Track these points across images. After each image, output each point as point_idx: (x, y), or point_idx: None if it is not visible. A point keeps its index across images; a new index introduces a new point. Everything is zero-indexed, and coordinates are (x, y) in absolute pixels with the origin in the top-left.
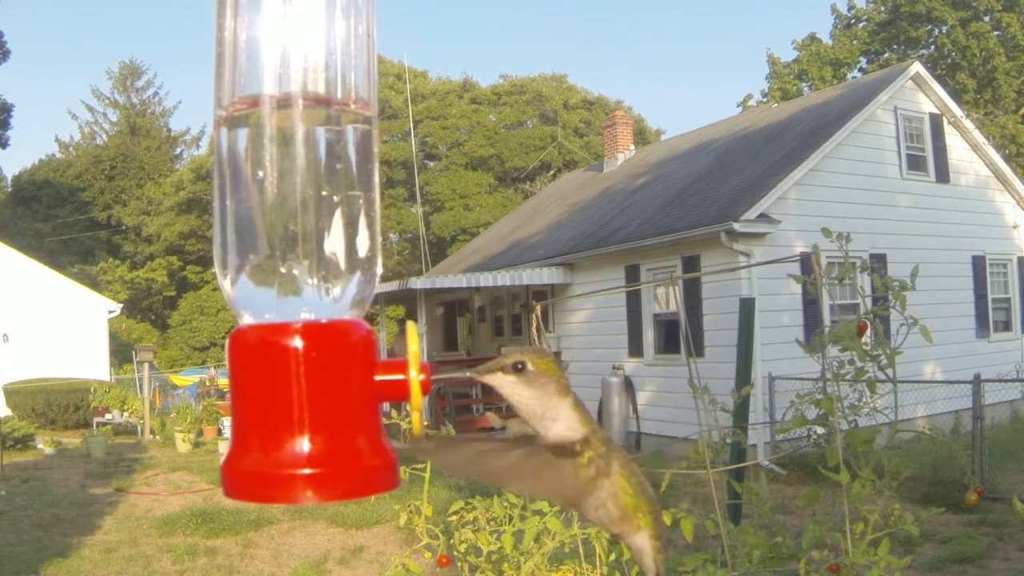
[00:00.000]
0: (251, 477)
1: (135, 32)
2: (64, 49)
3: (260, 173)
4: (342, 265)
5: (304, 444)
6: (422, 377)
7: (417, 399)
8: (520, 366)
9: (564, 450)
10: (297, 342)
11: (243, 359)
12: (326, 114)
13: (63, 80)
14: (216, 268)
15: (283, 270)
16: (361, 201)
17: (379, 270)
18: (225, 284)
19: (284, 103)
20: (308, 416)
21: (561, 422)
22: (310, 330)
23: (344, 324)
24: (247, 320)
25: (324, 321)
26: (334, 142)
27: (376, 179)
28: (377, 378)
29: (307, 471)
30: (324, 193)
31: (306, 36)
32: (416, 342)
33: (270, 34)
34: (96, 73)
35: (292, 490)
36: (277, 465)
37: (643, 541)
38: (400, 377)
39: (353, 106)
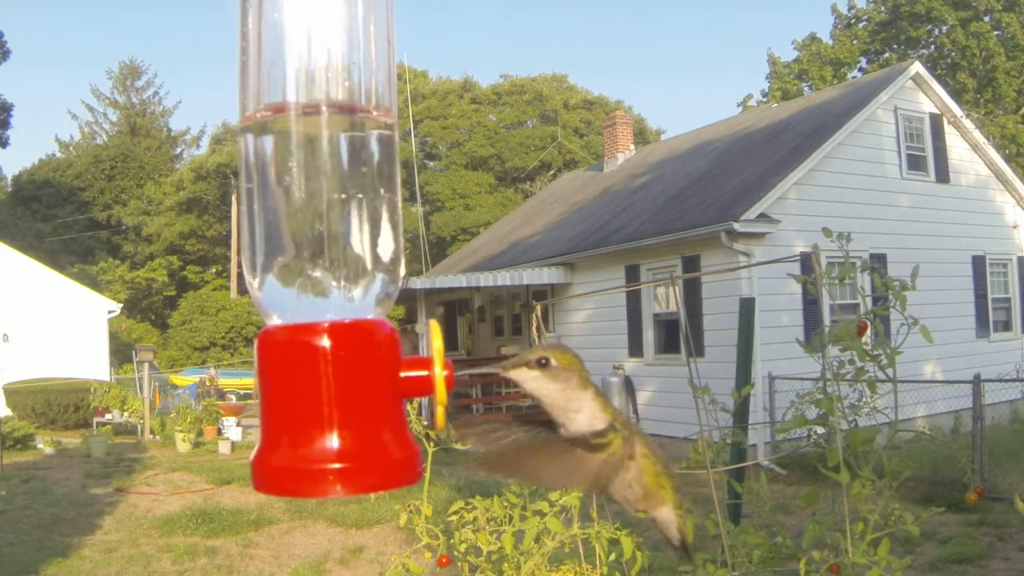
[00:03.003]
0: (282, 472)
1: (135, 32)
2: (64, 49)
3: (286, 178)
4: (367, 266)
5: (333, 439)
6: (446, 373)
7: (442, 394)
8: (544, 361)
9: (587, 442)
10: (325, 341)
11: (272, 358)
12: (350, 121)
13: (63, 80)
14: (244, 271)
15: (310, 272)
16: (384, 204)
17: (402, 270)
18: (253, 286)
19: (309, 110)
20: (336, 412)
21: (584, 413)
22: (337, 330)
23: (370, 323)
24: (275, 321)
25: (350, 321)
26: (358, 148)
27: (398, 182)
28: (402, 375)
29: (336, 465)
30: (349, 197)
31: (329, 44)
32: (439, 339)
33: (294, 42)
34: (96, 73)
35: (322, 484)
36: (307, 460)
37: (668, 514)
38: (424, 373)
39: (375, 112)
